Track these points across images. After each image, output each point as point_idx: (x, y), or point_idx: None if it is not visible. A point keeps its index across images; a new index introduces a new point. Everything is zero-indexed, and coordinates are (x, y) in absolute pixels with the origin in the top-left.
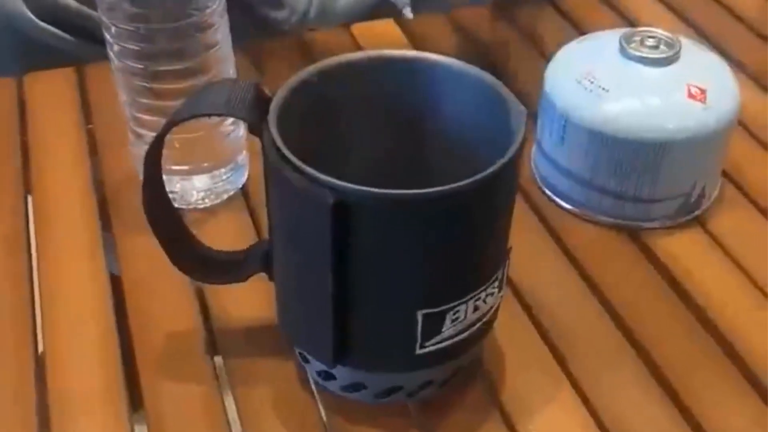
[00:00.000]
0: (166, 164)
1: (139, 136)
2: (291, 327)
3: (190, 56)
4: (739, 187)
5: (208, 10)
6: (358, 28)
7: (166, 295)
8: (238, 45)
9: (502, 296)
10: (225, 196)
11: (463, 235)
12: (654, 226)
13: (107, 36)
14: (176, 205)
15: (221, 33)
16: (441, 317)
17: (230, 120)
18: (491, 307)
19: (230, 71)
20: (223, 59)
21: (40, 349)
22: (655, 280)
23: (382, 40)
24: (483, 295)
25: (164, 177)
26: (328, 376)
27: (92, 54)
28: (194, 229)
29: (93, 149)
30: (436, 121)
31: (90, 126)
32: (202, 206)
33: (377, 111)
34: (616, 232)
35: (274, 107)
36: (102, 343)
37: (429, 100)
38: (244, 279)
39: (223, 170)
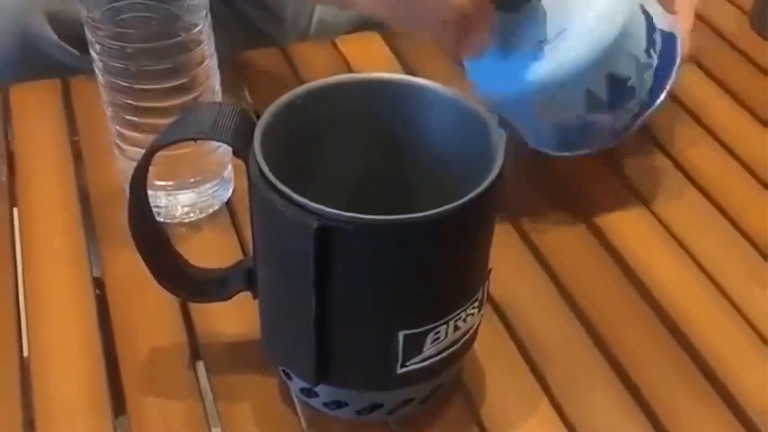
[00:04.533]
0: (152, 180)
1: (123, 150)
2: (274, 345)
3: (176, 75)
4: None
5: (196, 30)
6: (343, 42)
7: (150, 307)
8: (224, 57)
9: (482, 315)
10: (210, 210)
11: (444, 259)
12: None
13: (92, 52)
14: (161, 219)
15: (208, 50)
16: (422, 338)
17: None
18: (471, 327)
19: (216, 87)
20: (209, 76)
21: (26, 360)
22: (632, 294)
23: (367, 53)
24: (463, 315)
25: (150, 192)
26: (310, 393)
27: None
28: (179, 244)
29: (78, 161)
30: (419, 142)
31: (76, 138)
32: (187, 220)
33: (362, 132)
34: (591, 242)
35: (258, 132)
36: (86, 355)
37: (413, 122)
38: (228, 298)
39: (208, 185)
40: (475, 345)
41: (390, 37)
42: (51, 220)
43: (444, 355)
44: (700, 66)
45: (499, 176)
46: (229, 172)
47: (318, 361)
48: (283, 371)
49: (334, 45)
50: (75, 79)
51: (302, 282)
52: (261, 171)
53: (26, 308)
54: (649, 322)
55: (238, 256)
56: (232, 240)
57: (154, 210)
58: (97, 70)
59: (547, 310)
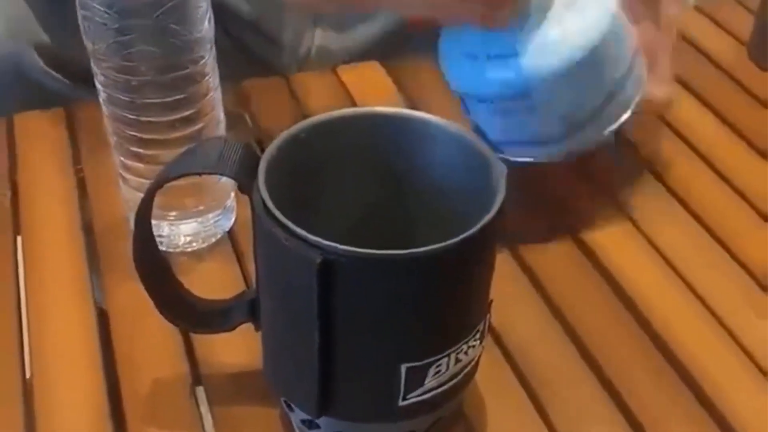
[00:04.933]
0: (155, 209)
1: (127, 180)
2: (276, 377)
3: (181, 107)
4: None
5: (202, 62)
6: (344, 71)
7: (152, 336)
8: (226, 86)
9: (483, 347)
10: (213, 240)
11: (445, 292)
12: None
13: (97, 84)
14: (163, 248)
15: (213, 82)
16: (424, 370)
17: None
18: (473, 359)
19: (220, 117)
20: (214, 107)
21: (29, 390)
22: (630, 322)
23: (369, 83)
24: (465, 347)
25: (152, 222)
26: (311, 425)
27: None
28: (181, 273)
29: (82, 190)
30: (421, 175)
31: (79, 167)
32: (189, 250)
33: (364, 165)
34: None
35: (262, 166)
36: (89, 384)
37: (415, 156)
38: (231, 329)
39: (211, 215)
40: (476, 377)
41: (391, 67)
42: (54, 249)
43: (446, 387)
44: (697, 95)
45: (500, 211)
46: (231, 201)
47: (320, 394)
48: (285, 402)
49: (336, 74)
50: (79, 108)
51: (305, 315)
52: (265, 205)
53: (29, 337)
54: (647, 352)
55: (241, 285)
56: (235, 269)
57: (157, 239)
58: (101, 102)
59: (546, 339)
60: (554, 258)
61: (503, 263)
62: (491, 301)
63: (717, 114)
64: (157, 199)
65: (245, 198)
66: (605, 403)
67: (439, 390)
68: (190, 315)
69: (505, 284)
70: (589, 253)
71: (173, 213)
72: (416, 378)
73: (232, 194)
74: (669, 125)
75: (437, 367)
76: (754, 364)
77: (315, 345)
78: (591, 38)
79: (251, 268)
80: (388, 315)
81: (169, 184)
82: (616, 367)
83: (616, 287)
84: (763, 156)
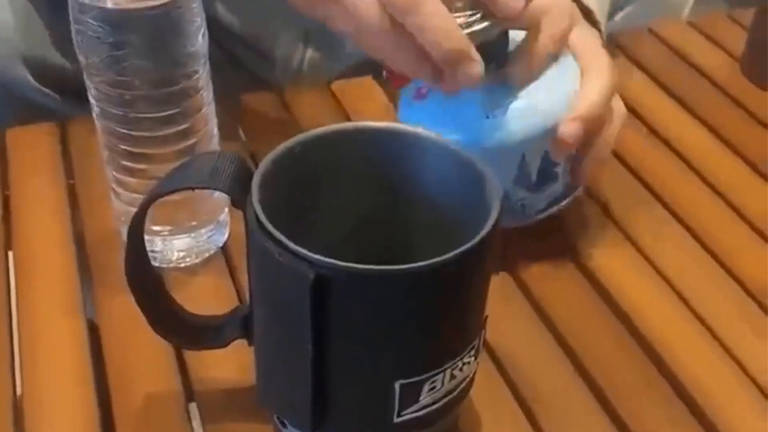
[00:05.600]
0: (148, 225)
1: (119, 194)
2: (270, 392)
3: (175, 122)
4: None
5: (195, 76)
6: (338, 86)
7: (144, 351)
8: (219, 100)
9: (478, 363)
10: (206, 255)
11: (441, 308)
12: None
13: (90, 98)
14: (156, 264)
15: (206, 97)
16: (418, 387)
17: None
18: (468, 375)
19: (214, 131)
20: (208, 122)
21: (19, 405)
22: (628, 341)
23: (362, 97)
24: (460, 363)
25: (145, 237)
26: None
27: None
28: (174, 289)
29: (74, 204)
30: (416, 190)
31: (72, 181)
32: (182, 265)
33: (359, 178)
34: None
35: (256, 180)
36: (80, 400)
37: (410, 170)
38: (224, 345)
39: (204, 230)
40: (472, 392)
41: (385, 82)
42: (46, 263)
43: (440, 404)
44: (691, 111)
45: (495, 225)
46: (225, 216)
47: (314, 409)
48: (278, 419)
49: (330, 89)
50: (72, 122)
51: (298, 330)
52: (258, 219)
53: (20, 351)
54: (643, 368)
55: (234, 301)
56: (228, 284)
57: (150, 255)
58: (94, 116)
59: (541, 356)
60: (549, 274)
61: (497, 279)
62: (486, 316)
63: (711, 129)
64: (150, 215)
65: (239, 213)
66: (600, 418)
67: (434, 407)
68: (183, 331)
69: (499, 301)
70: (584, 269)
71: (167, 228)
72: (411, 394)
73: (226, 210)
74: (668, 144)
75: (432, 383)
76: (752, 380)
77: (308, 360)
78: (557, 113)
79: (245, 283)
80: (383, 330)
81: (161, 199)
82: (613, 384)
83: (611, 302)
84: (757, 171)
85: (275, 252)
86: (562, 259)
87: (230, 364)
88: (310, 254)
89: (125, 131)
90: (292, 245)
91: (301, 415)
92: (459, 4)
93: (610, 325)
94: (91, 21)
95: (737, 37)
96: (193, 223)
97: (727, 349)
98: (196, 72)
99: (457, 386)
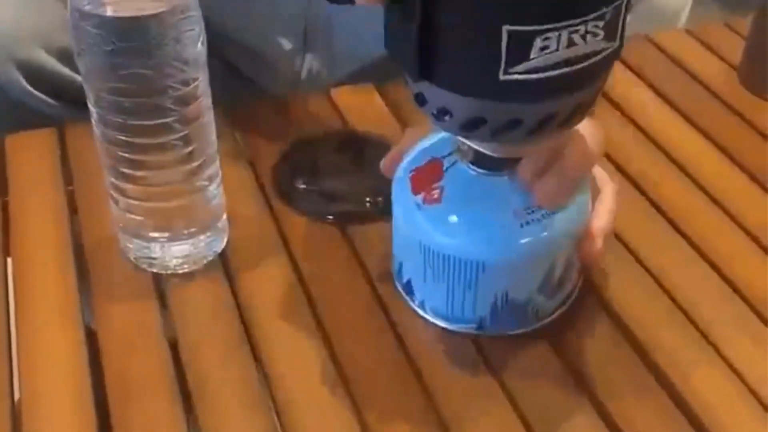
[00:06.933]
0: (147, 232)
1: (117, 201)
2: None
3: (174, 129)
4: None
5: (195, 84)
6: (338, 94)
7: (143, 357)
8: (218, 107)
9: (606, 49)
10: (204, 261)
11: None
12: None
13: (89, 105)
14: (155, 270)
15: (205, 104)
16: (529, 39)
17: (213, 185)
18: (592, 52)
19: (213, 139)
20: (206, 129)
21: (18, 411)
22: (625, 350)
23: (362, 105)
24: (582, 29)
25: (143, 244)
26: (421, 101)
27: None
28: (172, 295)
29: (73, 210)
30: None
31: (70, 187)
32: (180, 271)
33: None
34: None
35: None
36: (78, 407)
37: None
38: None
39: (202, 236)
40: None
41: (386, 90)
42: (45, 270)
43: (553, 73)
44: (687, 119)
45: None
46: (223, 222)
47: (420, 53)
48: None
49: (329, 97)
50: (70, 128)
51: None
52: None
53: (19, 357)
54: (644, 382)
55: (233, 306)
56: (226, 291)
57: (148, 261)
58: (93, 122)
59: (544, 371)
60: None
61: None
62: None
63: (709, 138)
64: (149, 222)
65: (236, 219)
66: (597, 428)
67: (545, 75)
68: None
69: None
70: (585, 281)
71: (165, 234)
72: (520, 47)
73: (224, 216)
74: (667, 153)
75: (545, 40)
76: (751, 391)
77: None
78: (582, 220)
79: (243, 289)
80: None
81: (160, 206)
82: (608, 392)
83: (610, 311)
84: (755, 180)
85: None
86: None
87: (231, 366)
88: None
89: (124, 138)
90: None
91: (409, 60)
92: None
93: (606, 333)
94: (90, 28)
95: (735, 46)
96: (192, 230)
97: (725, 359)
98: (195, 79)
99: (578, 61)
